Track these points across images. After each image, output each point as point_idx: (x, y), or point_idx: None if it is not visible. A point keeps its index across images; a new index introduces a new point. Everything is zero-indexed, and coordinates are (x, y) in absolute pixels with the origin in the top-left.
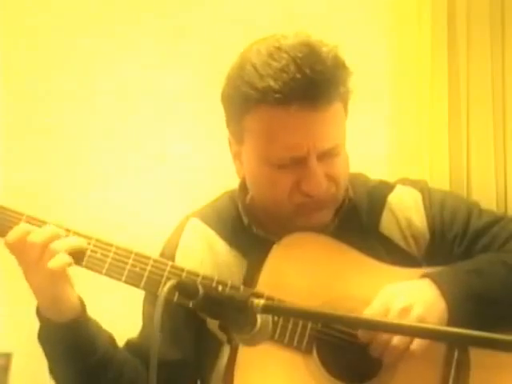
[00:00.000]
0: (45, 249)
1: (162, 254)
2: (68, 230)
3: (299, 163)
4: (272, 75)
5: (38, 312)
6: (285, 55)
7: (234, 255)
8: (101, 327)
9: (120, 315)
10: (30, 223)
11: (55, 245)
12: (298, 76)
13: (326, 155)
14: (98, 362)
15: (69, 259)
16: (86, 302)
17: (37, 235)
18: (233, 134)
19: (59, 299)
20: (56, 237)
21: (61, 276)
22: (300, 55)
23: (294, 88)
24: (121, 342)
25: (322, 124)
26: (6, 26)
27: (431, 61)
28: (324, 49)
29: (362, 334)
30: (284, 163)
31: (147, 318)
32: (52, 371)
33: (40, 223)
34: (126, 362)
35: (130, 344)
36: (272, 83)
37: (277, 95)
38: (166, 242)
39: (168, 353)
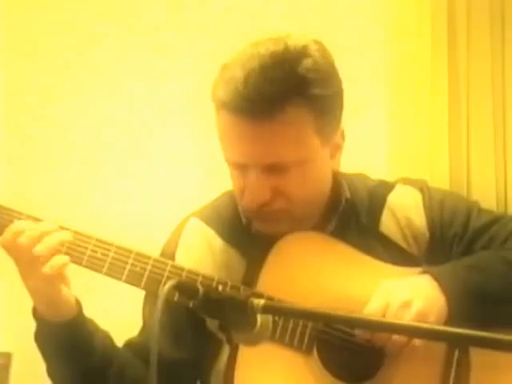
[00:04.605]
0: (34, 252)
1: (163, 254)
2: (68, 230)
3: (245, 171)
4: (225, 83)
5: (35, 312)
6: (247, 65)
7: (234, 255)
8: (98, 327)
9: (120, 315)
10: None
11: (42, 248)
12: (241, 89)
13: (273, 169)
14: (96, 363)
15: (64, 261)
16: (86, 302)
17: (26, 238)
18: None
19: (55, 300)
20: (45, 235)
21: (56, 278)
22: (257, 69)
23: (236, 100)
24: (121, 343)
25: (263, 139)
26: (5, 27)
27: (431, 61)
28: (290, 64)
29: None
30: (235, 167)
31: (148, 317)
32: (50, 373)
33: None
34: (126, 362)
35: (129, 343)
36: (221, 92)
37: (224, 104)
38: (167, 241)
39: (169, 352)
